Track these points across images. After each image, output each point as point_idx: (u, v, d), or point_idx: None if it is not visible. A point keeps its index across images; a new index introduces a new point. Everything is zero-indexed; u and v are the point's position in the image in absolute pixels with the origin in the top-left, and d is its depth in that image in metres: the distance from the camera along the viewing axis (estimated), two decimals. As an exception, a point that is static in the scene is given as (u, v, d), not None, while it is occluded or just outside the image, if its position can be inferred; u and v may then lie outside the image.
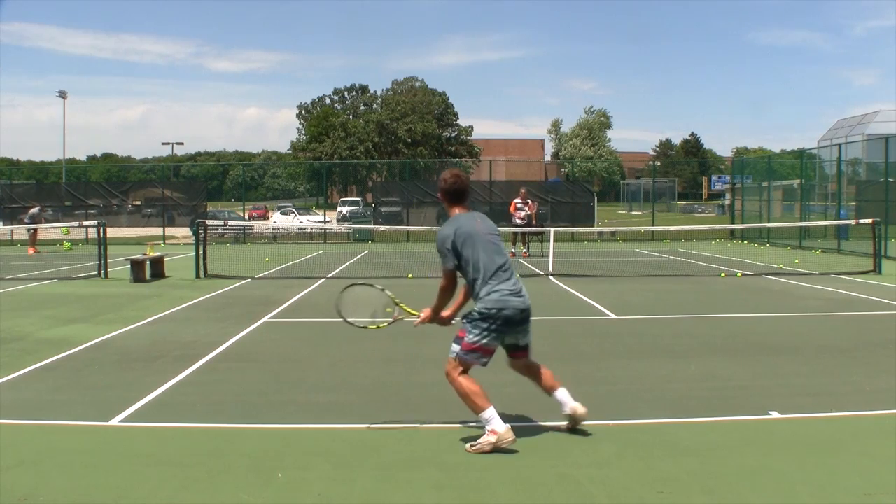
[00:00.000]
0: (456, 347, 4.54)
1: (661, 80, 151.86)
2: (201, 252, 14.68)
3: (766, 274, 14.83)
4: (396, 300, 4.96)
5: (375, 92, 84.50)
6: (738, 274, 14.84)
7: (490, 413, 4.38)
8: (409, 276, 14.62)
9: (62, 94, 50.04)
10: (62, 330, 8.71)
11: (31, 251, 22.33)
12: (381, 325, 4.95)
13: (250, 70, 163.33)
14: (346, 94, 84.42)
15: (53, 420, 5.17)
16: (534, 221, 20.00)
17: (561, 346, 7.74)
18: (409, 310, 4.91)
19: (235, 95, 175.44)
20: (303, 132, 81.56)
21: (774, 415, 5.19)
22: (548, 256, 16.10)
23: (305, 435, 4.86)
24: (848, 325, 9.09)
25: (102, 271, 14.43)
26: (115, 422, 5.10)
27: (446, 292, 4.73)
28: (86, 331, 8.59)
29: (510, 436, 4.36)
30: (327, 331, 8.91)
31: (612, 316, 9.68)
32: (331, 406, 5.48)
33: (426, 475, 4.09)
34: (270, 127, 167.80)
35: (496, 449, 4.34)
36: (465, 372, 4.50)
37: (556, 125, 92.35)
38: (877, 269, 14.60)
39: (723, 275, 14.72)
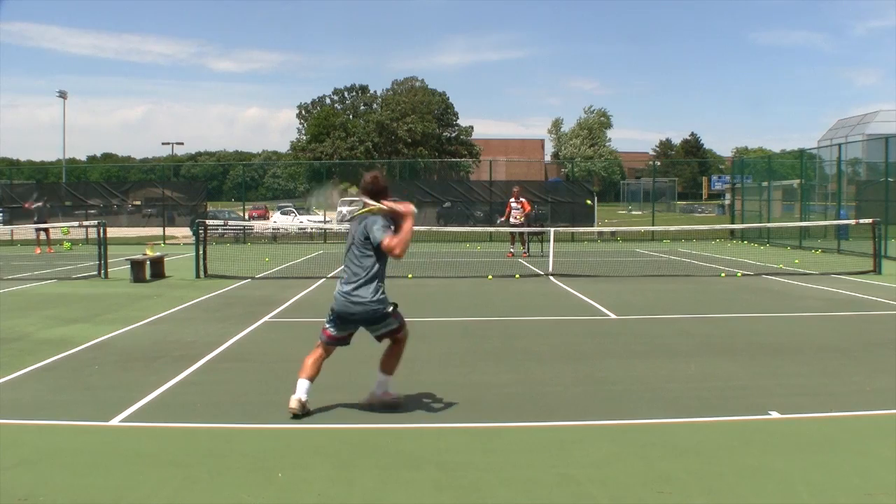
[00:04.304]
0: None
1: (662, 80, 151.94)
2: (201, 252, 14.68)
3: (766, 274, 14.83)
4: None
5: (375, 92, 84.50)
6: (738, 274, 14.84)
7: (300, 383, 5.20)
8: (409, 276, 14.62)
9: (62, 94, 50.04)
10: (62, 330, 8.71)
11: (49, 251, 22.19)
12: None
13: (252, 70, 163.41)
14: (346, 94, 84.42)
15: (53, 420, 5.17)
16: (523, 218, 19.55)
17: (561, 345, 7.74)
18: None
19: (236, 95, 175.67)
20: (303, 132, 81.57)
21: (774, 415, 5.19)
22: (548, 256, 16.09)
23: (305, 435, 4.86)
24: (848, 325, 9.09)
25: (102, 271, 14.43)
26: (115, 422, 5.10)
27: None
28: (86, 331, 8.59)
29: (291, 404, 5.14)
30: (327, 331, 8.91)
31: (612, 316, 9.68)
32: (331, 406, 5.48)
33: (426, 475, 4.09)
34: (271, 127, 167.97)
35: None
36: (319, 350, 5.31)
37: (556, 125, 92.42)
38: (877, 269, 14.60)
39: (723, 275, 14.72)
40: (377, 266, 5.15)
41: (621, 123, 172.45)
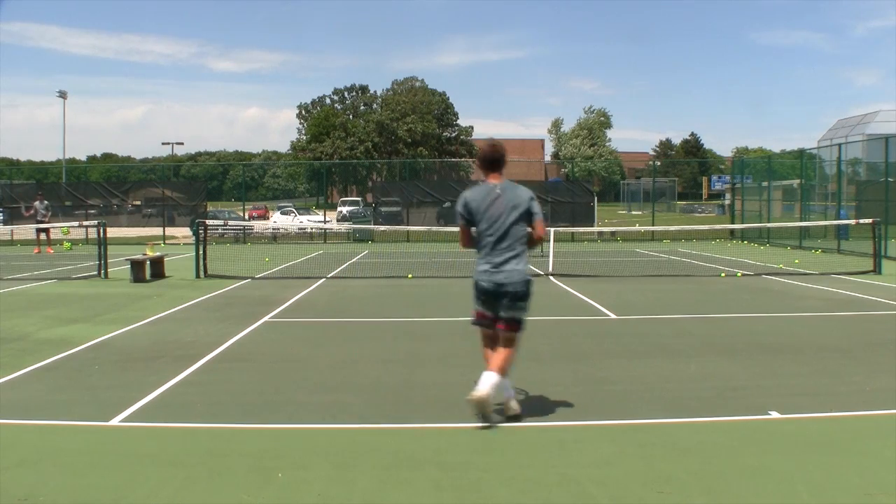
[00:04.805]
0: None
1: (662, 80, 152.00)
2: (201, 252, 14.68)
3: (766, 274, 14.82)
4: None
5: (375, 92, 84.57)
6: (738, 274, 14.84)
7: (488, 377, 4.96)
8: (410, 276, 14.62)
9: (62, 94, 50.06)
10: (62, 330, 8.71)
11: (48, 251, 22.16)
12: None
13: (252, 70, 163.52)
14: (346, 94, 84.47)
15: (53, 420, 5.17)
16: None
17: (561, 346, 7.74)
18: None
19: (237, 95, 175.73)
20: (303, 132, 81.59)
21: (774, 415, 5.19)
22: (548, 256, 16.09)
23: (305, 435, 4.85)
24: (848, 325, 9.09)
25: (102, 271, 14.43)
26: (115, 422, 5.10)
27: (464, 245, 5.48)
28: (86, 331, 8.59)
29: (474, 395, 4.89)
30: (327, 331, 8.91)
31: (612, 316, 9.68)
32: (331, 406, 5.48)
33: (426, 475, 4.09)
34: (271, 127, 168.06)
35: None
36: (483, 337, 5.24)
37: (556, 125, 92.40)
38: (877, 269, 14.60)
39: (723, 275, 14.72)
40: (527, 242, 5.11)
41: (621, 123, 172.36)
